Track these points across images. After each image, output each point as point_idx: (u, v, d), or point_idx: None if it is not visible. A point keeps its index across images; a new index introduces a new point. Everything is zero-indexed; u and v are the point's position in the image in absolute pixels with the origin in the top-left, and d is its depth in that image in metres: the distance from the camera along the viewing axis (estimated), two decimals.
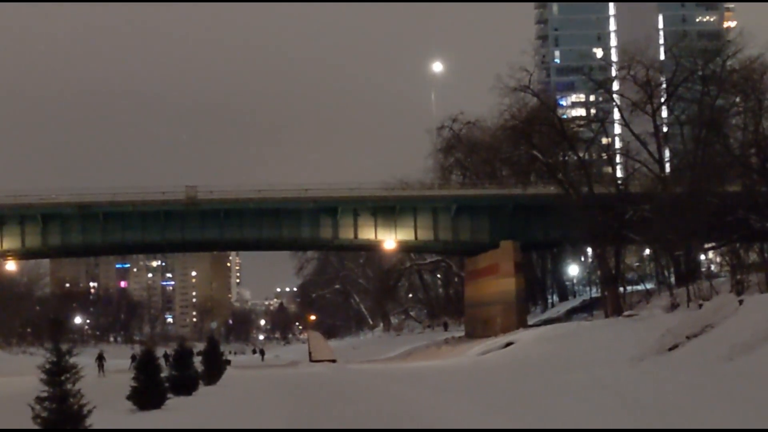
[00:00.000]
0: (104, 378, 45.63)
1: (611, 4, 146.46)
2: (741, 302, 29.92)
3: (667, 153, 61.06)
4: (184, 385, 23.52)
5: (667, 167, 59.14)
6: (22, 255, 69.13)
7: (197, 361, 30.68)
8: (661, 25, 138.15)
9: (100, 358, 50.69)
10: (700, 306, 34.84)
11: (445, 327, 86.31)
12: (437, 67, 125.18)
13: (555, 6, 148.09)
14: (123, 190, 64.87)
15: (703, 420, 15.00)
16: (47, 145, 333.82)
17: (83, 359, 63.05)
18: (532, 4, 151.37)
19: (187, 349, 24.48)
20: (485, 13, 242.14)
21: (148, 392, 18.81)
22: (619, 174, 62.22)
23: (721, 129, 52.72)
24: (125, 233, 65.64)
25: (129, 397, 19.05)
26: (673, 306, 44.39)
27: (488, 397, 21.06)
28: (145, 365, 19.20)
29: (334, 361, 65.45)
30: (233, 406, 20.59)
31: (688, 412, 16.28)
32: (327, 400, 21.93)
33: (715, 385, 20.64)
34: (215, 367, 31.81)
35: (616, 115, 65.14)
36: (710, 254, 55.30)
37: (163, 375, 23.25)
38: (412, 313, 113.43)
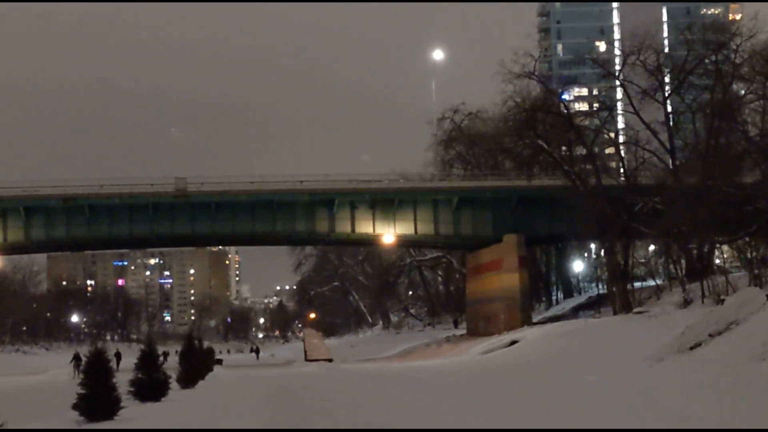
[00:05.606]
0: (78, 380, 42.98)
1: None
2: None
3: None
4: (151, 390, 20.91)
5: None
6: (4, 249, 66.78)
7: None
8: (665, 17, 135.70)
9: (76, 359, 47.81)
10: (721, 302, 32.79)
11: (456, 324, 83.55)
12: (438, 55, 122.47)
13: None
14: (110, 182, 63.12)
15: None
16: (31, 135, 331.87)
17: (66, 358, 60.07)
18: None
19: (154, 349, 21.77)
20: (487, 5, 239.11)
21: (97, 400, 16.13)
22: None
23: (735, 116, 50.46)
24: (112, 227, 63.53)
25: (75, 406, 16.35)
26: (687, 302, 42.66)
27: (492, 403, 18.68)
28: (94, 368, 16.50)
29: (330, 360, 63.87)
30: (199, 415, 17.99)
31: (723, 419, 14.30)
32: (310, 406, 19.51)
33: (748, 387, 18.84)
34: (194, 369, 29.10)
35: (621, 107, 63.04)
36: (724, 248, 52.94)
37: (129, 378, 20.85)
38: (412, 311, 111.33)
